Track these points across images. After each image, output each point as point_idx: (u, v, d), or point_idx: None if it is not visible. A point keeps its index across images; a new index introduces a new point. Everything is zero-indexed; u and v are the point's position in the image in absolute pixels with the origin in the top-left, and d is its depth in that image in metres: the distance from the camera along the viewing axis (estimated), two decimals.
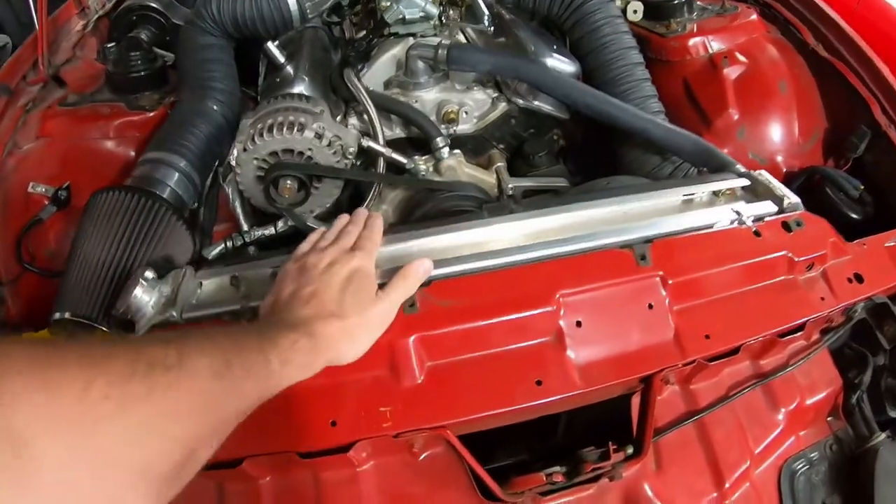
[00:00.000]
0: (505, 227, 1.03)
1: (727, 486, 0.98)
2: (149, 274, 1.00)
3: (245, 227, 1.45)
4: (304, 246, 0.98)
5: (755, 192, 1.17)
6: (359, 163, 1.36)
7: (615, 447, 0.88)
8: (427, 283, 0.93)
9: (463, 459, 0.88)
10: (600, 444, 0.94)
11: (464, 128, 1.48)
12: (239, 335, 0.73)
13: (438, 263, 0.96)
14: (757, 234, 1.08)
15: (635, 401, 0.98)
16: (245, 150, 1.25)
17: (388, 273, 0.92)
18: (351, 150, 1.24)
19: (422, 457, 0.91)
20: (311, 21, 1.54)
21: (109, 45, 1.78)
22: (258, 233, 1.38)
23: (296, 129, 1.21)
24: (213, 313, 0.98)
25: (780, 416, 1.07)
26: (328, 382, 0.87)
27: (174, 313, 0.97)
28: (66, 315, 1.10)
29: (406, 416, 0.86)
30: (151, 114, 1.55)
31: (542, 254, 0.99)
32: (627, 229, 1.04)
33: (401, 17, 1.46)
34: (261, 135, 1.22)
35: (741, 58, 1.59)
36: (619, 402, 0.99)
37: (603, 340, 0.95)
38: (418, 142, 1.43)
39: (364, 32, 1.60)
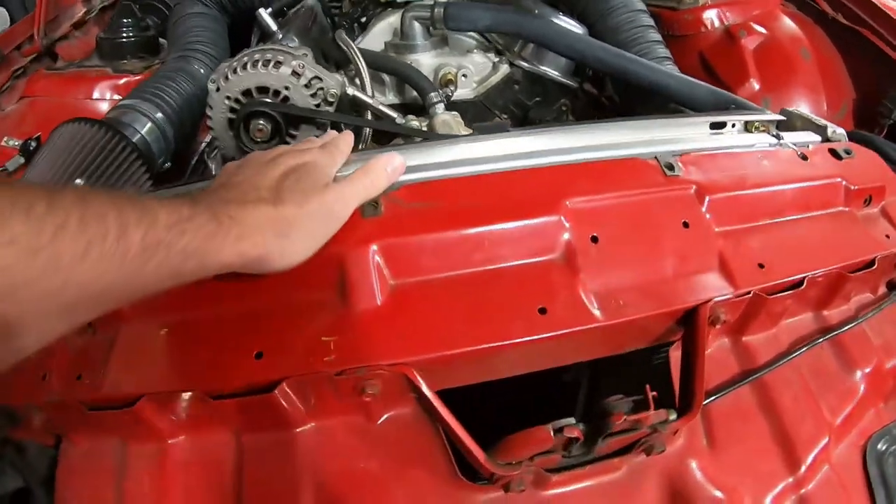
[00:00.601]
0: (500, 143, 0.71)
1: (803, 469, 0.63)
2: (78, 182, 0.73)
3: None
4: None
5: (793, 126, 0.86)
6: None
7: (655, 395, 0.53)
8: (395, 188, 0.62)
9: (433, 417, 0.55)
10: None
11: (463, 92, 1.18)
12: (149, 207, 0.46)
13: (412, 169, 0.65)
14: (803, 157, 0.77)
15: (675, 355, 0.64)
16: (217, 89, 0.96)
17: None
18: (332, 91, 0.95)
19: (380, 420, 0.58)
20: None
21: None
22: None
23: (272, 64, 0.93)
24: None
25: (858, 379, 0.72)
26: (256, 304, 0.56)
27: None
28: None
29: (355, 348, 0.53)
30: (135, 77, 1.33)
31: (543, 161, 0.68)
32: (649, 143, 0.73)
33: None
34: (234, 71, 0.94)
35: (758, 28, 1.30)
36: (650, 367, 0.66)
37: (626, 263, 0.62)
38: (414, 109, 1.14)
39: (360, 9, 1.36)
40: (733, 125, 0.84)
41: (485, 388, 0.60)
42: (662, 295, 0.61)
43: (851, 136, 1.13)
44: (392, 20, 1.23)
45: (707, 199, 0.67)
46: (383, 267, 0.57)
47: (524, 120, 1.20)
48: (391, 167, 0.62)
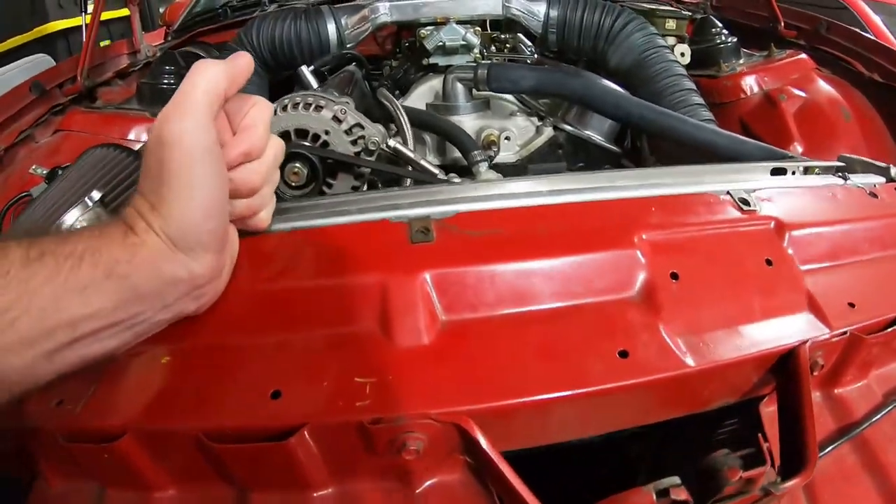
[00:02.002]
0: (560, 179, 0.64)
1: None
2: (95, 194, 0.64)
3: None
4: None
5: (853, 170, 0.79)
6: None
7: (769, 446, 0.43)
8: (449, 214, 0.55)
9: (490, 485, 0.45)
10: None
11: (505, 155, 1.13)
12: None
13: (465, 199, 0.58)
14: (873, 195, 0.69)
15: (766, 411, 0.54)
16: None
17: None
18: (374, 140, 0.90)
19: (421, 487, 0.47)
20: (349, 49, 1.28)
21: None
22: None
23: (313, 107, 0.89)
24: None
25: None
26: (278, 334, 0.48)
27: None
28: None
29: (397, 392, 0.44)
30: None
31: (611, 195, 0.60)
32: (717, 181, 0.66)
33: (440, 43, 1.19)
34: (274, 113, 0.90)
35: (797, 92, 1.25)
36: (735, 429, 0.56)
37: (711, 302, 0.54)
38: (455, 170, 1.09)
39: (402, 73, 1.34)
40: (793, 172, 0.77)
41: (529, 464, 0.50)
42: (755, 337, 0.52)
43: None
44: (434, 83, 1.20)
45: (787, 234, 0.59)
46: (434, 300, 0.49)
47: None
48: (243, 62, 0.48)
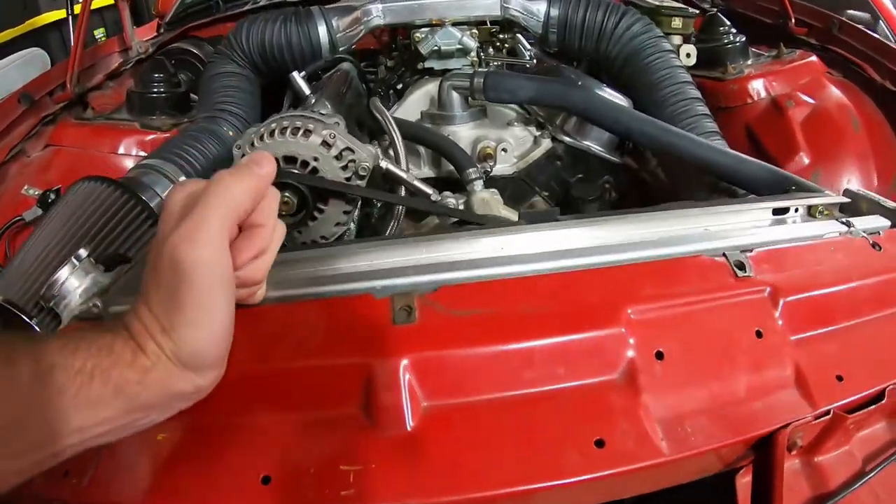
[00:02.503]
0: (548, 234, 0.64)
1: None
2: (82, 252, 0.63)
3: None
4: None
5: (858, 208, 0.77)
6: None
7: None
8: (434, 288, 0.54)
9: None
10: None
11: (502, 167, 1.11)
12: None
13: (450, 267, 0.57)
14: (876, 246, 0.68)
15: (741, 482, 0.54)
16: (242, 156, 0.90)
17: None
18: (364, 165, 0.89)
19: None
20: (342, 53, 1.25)
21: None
22: None
23: (301, 133, 0.87)
24: None
25: None
26: (264, 419, 0.49)
27: (98, 304, 0.59)
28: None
29: (380, 482, 0.45)
30: (162, 135, 1.30)
31: (601, 259, 0.59)
32: (714, 236, 0.65)
33: (436, 48, 1.15)
34: (261, 138, 0.88)
35: (806, 98, 1.22)
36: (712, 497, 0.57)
37: (694, 382, 0.53)
38: (450, 183, 1.07)
39: (397, 76, 1.30)
40: (796, 209, 0.75)
41: None
42: (736, 420, 0.52)
43: None
44: (429, 88, 1.17)
45: (781, 302, 0.59)
46: (416, 385, 0.49)
47: (566, 197, 1.12)
48: (265, 167, 0.48)
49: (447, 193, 0.97)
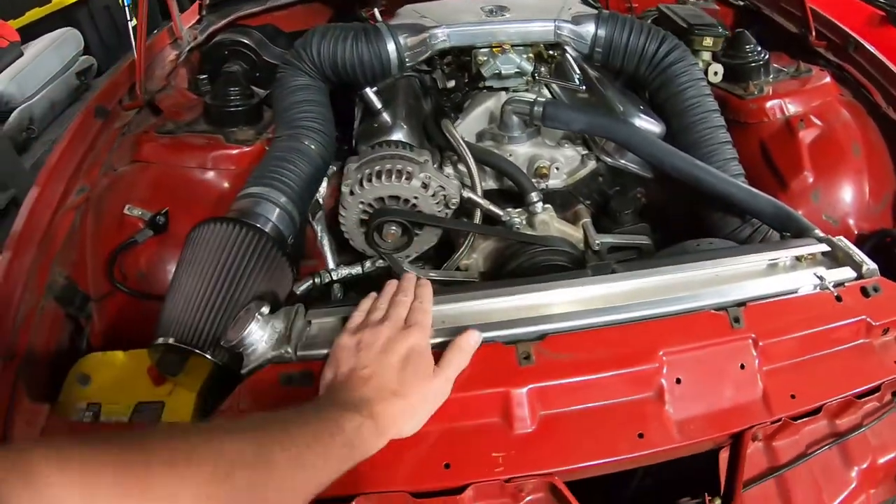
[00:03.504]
0: (609, 286, 1.13)
1: None
2: (265, 310, 1.06)
3: (332, 265, 1.56)
4: (357, 317, 1.06)
5: (835, 257, 1.25)
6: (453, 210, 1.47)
7: (709, 498, 0.98)
8: (541, 337, 1.04)
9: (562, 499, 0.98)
10: (674, 494, 1.04)
11: (554, 183, 1.58)
12: (309, 421, 0.83)
13: (551, 319, 1.07)
14: (838, 298, 1.17)
15: (723, 455, 1.06)
16: (352, 193, 1.36)
17: (458, 330, 1.03)
18: (454, 201, 1.36)
19: (524, 502, 0.98)
20: (408, 66, 1.64)
21: (202, 77, 1.91)
22: (345, 272, 1.49)
23: (404, 177, 1.32)
24: (325, 354, 1.04)
25: (853, 475, 1.15)
26: (441, 427, 0.97)
27: (289, 350, 1.04)
28: (171, 340, 1.15)
29: (518, 462, 0.94)
30: (248, 148, 1.62)
31: (645, 313, 1.09)
32: (720, 292, 1.14)
33: (497, 72, 1.58)
34: (369, 180, 1.33)
35: (816, 121, 1.69)
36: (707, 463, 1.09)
37: (699, 397, 1.04)
38: (509, 193, 1.55)
39: (454, 82, 1.72)
40: (787, 259, 1.25)
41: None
42: (721, 421, 1.03)
43: (885, 234, 1.56)
44: (489, 104, 1.61)
45: (760, 343, 1.08)
46: (535, 403, 0.99)
47: (605, 206, 1.60)
48: (474, 341, 1.00)
49: (512, 211, 1.45)
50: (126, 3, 1.72)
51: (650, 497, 1.14)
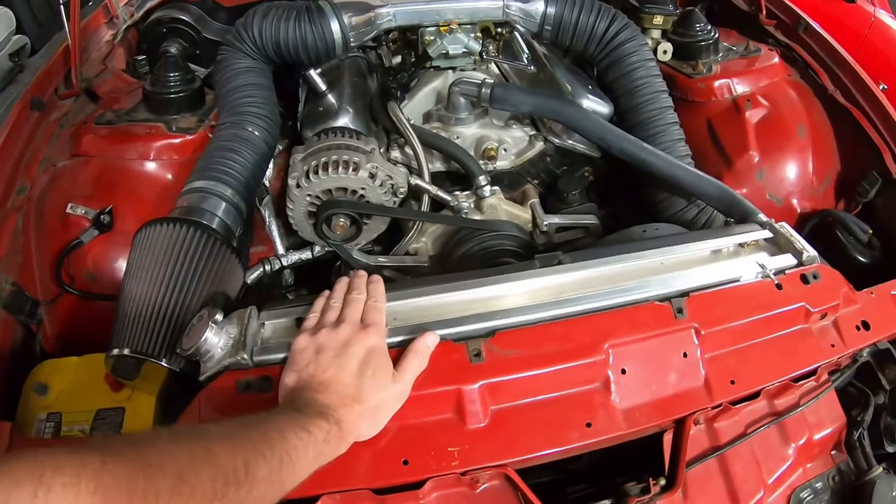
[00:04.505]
0: (556, 277, 1.21)
1: None
2: (218, 317, 1.10)
3: (281, 250, 1.61)
4: (312, 318, 1.11)
5: (777, 243, 1.37)
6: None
7: (654, 481, 1.07)
8: (491, 334, 1.11)
9: (519, 491, 1.06)
10: (620, 470, 1.15)
11: (502, 164, 1.66)
12: (284, 432, 0.88)
13: (500, 314, 1.14)
14: (779, 286, 1.28)
15: (667, 438, 1.16)
16: (298, 186, 1.40)
17: (417, 329, 1.11)
18: (402, 189, 1.41)
19: (479, 489, 1.07)
20: (353, 46, 1.68)
21: (140, 58, 1.91)
22: (294, 257, 1.54)
23: (350, 168, 1.37)
24: (282, 359, 1.09)
25: (791, 451, 1.27)
26: (398, 425, 1.04)
27: (245, 356, 1.08)
28: (126, 351, 1.18)
29: (473, 455, 1.03)
30: (191, 137, 1.64)
31: (592, 306, 1.18)
32: (665, 281, 1.23)
33: (444, 51, 1.62)
34: (315, 172, 1.38)
35: (763, 101, 1.79)
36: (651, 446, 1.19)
37: (643, 386, 1.13)
38: (456, 175, 1.61)
39: (400, 59, 1.76)
40: (730, 247, 1.35)
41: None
42: (665, 408, 1.13)
43: (826, 214, 1.68)
44: (436, 85, 1.67)
45: (702, 332, 1.18)
46: (487, 398, 1.07)
47: (553, 186, 1.68)
48: (432, 344, 1.07)
49: (459, 194, 1.51)
50: None
51: (597, 471, 1.25)
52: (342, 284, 1.17)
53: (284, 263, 1.54)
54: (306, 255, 1.55)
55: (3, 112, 1.73)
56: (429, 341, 1.07)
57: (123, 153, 1.62)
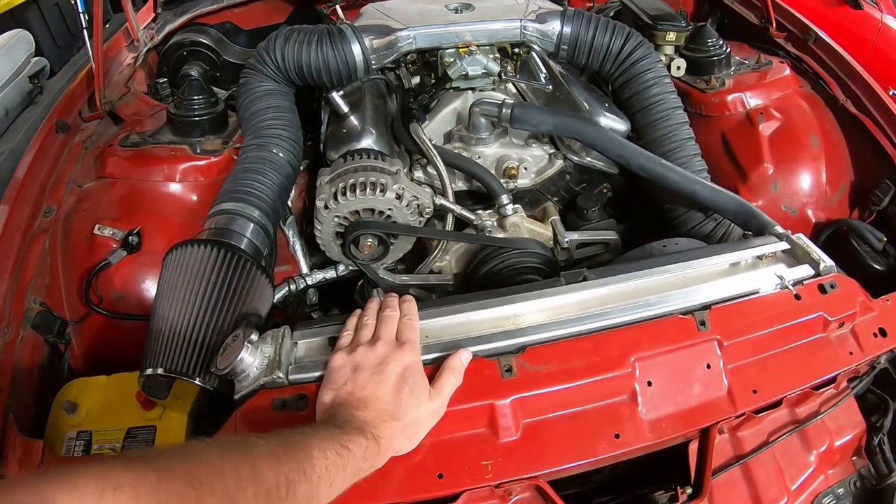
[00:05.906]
0: (582, 294, 1.27)
1: None
2: (254, 337, 1.14)
3: (305, 269, 1.66)
4: (347, 336, 1.16)
5: (794, 255, 1.42)
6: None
7: (681, 490, 1.13)
8: (521, 350, 1.17)
9: (551, 502, 1.12)
10: (641, 480, 1.20)
11: (522, 182, 1.72)
12: (324, 447, 0.92)
13: (529, 330, 1.20)
14: (797, 297, 1.33)
15: (692, 447, 1.22)
16: (326, 207, 1.46)
17: (449, 346, 1.17)
18: (428, 209, 1.47)
19: (511, 501, 1.12)
20: (374, 69, 1.74)
21: (161, 81, 1.97)
22: (319, 276, 1.60)
23: (378, 190, 1.43)
24: (317, 377, 1.14)
25: (813, 458, 1.32)
26: (433, 440, 1.10)
27: (280, 375, 1.13)
28: (159, 371, 1.21)
29: (505, 468, 1.08)
30: (216, 159, 1.69)
31: (618, 320, 1.23)
32: (687, 295, 1.29)
33: (464, 73, 1.68)
34: (343, 194, 1.44)
35: (776, 114, 1.85)
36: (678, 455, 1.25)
37: (669, 397, 1.19)
38: (478, 193, 1.67)
39: (419, 80, 1.83)
40: (748, 259, 1.41)
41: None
42: (690, 418, 1.19)
43: (841, 223, 1.73)
44: (457, 105, 1.73)
45: (725, 344, 1.24)
46: (519, 412, 1.12)
47: (572, 203, 1.74)
48: (466, 359, 1.13)
49: (482, 213, 1.57)
50: (80, 10, 1.76)
51: (619, 482, 1.31)
52: (374, 303, 1.22)
53: (309, 283, 1.60)
54: (330, 274, 1.60)
55: (27, 133, 1.78)
56: (463, 358, 1.12)
57: (149, 175, 1.66)
